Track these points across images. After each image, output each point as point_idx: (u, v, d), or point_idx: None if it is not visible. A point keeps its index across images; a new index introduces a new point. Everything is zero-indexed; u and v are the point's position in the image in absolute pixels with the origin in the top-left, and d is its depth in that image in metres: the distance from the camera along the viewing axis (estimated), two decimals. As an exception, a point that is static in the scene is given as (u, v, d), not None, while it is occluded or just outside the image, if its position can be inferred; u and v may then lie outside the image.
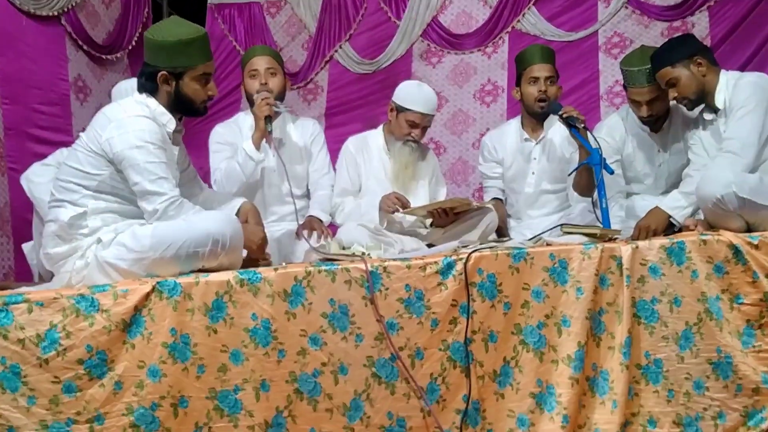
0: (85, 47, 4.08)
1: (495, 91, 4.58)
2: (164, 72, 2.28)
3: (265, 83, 3.13)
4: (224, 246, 2.14)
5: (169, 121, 2.31)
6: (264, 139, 2.99)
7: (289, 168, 3.00)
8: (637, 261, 2.28)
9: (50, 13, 3.80)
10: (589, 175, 2.81)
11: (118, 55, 4.39)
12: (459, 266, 2.18)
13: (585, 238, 2.43)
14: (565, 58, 4.21)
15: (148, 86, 2.31)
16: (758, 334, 2.28)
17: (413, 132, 3.17)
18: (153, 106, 2.29)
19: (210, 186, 3.00)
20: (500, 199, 3.44)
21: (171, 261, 2.10)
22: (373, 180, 3.25)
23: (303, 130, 3.35)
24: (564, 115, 2.83)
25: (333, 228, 3.20)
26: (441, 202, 3.06)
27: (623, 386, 2.21)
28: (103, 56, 4.25)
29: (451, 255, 2.23)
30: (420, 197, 3.21)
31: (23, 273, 3.37)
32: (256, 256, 2.36)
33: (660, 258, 2.29)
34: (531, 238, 2.62)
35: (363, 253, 2.35)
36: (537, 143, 3.33)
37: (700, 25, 4.23)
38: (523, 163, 3.36)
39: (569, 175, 3.01)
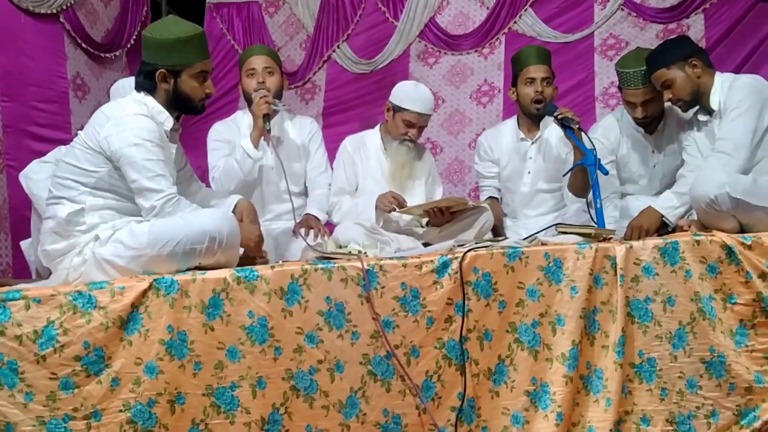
0: (83, 45, 4.09)
1: (491, 91, 4.60)
2: (163, 70, 2.29)
3: (263, 82, 3.14)
4: (221, 243, 2.15)
5: (167, 120, 2.33)
6: (262, 138, 3.00)
7: (287, 166, 3.02)
8: (631, 261, 2.30)
9: (49, 11, 3.80)
10: (583, 176, 2.83)
11: (117, 53, 4.39)
12: (455, 265, 2.20)
13: (579, 238, 2.44)
14: (561, 60, 4.22)
15: (146, 85, 2.33)
16: (751, 333, 2.30)
17: (410, 132, 3.19)
18: (151, 104, 2.31)
19: (208, 184, 3.01)
20: (496, 199, 3.45)
21: (168, 258, 2.11)
22: (370, 179, 3.27)
23: (301, 129, 3.37)
24: (559, 116, 2.85)
25: (330, 226, 3.21)
26: (437, 201, 3.08)
27: (617, 384, 2.22)
28: (102, 54, 4.26)
29: (446, 254, 2.24)
30: (416, 196, 3.22)
31: (21, 270, 3.37)
32: (252, 255, 2.38)
33: (654, 258, 2.31)
34: (526, 238, 2.63)
35: (359, 252, 2.36)
36: (533, 143, 3.35)
37: (695, 27, 4.25)
38: (519, 162, 3.38)
39: (564, 175, 3.03)
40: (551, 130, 3.29)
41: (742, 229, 2.45)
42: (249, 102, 3.17)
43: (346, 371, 2.12)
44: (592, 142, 2.75)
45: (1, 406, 1.86)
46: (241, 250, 2.30)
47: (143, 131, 2.21)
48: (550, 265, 2.27)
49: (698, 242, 2.33)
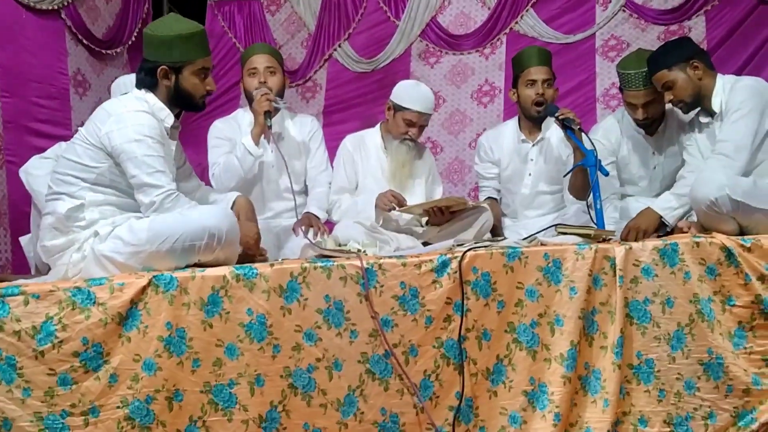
0: (84, 42, 4.09)
1: (492, 91, 4.60)
2: (164, 66, 2.30)
3: (264, 82, 3.14)
4: (220, 240, 2.15)
5: (167, 117, 2.34)
6: (263, 135, 3.00)
7: (288, 163, 3.02)
8: (630, 262, 2.30)
9: (50, 7, 3.80)
10: (584, 177, 2.83)
11: (118, 50, 4.39)
12: (454, 264, 2.20)
13: (579, 239, 2.44)
14: (562, 60, 4.22)
15: (148, 81, 2.33)
16: (749, 335, 2.30)
17: (410, 131, 3.19)
18: (152, 101, 2.32)
19: (208, 182, 3.01)
20: (495, 199, 3.45)
21: (167, 254, 2.12)
22: (370, 178, 3.27)
23: (302, 127, 3.37)
24: (560, 117, 2.85)
25: (330, 225, 3.21)
26: (437, 200, 3.08)
27: (615, 385, 2.22)
28: (103, 51, 4.26)
29: (446, 253, 2.24)
30: (416, 196, 3.23)
31: (20, 265, 3.38)
32: (251, 253, 2.38)
33: (653, 259, 2.30)
34: (525, 238, 2.63)
35: (359, 250, 2.37)
36: (534, 145, 3.34)
37: (696, 29, 4.25)
38: (519, 164, 3.37)
39: (564, 176, 3.03)
40: (552, 132, 3.28)
41: (742, 231, 2.45)
42: (250, 100, 3.17)
43: (344, 370, 2.12)
44: (592, 143, 2.75)
45: (-1, 401, 1.87)
46: (240, 248, 2.30)
47: (144, 127, 2.22)
48: (550, 265, 2.27)
49: (698, 244, 2.33)
